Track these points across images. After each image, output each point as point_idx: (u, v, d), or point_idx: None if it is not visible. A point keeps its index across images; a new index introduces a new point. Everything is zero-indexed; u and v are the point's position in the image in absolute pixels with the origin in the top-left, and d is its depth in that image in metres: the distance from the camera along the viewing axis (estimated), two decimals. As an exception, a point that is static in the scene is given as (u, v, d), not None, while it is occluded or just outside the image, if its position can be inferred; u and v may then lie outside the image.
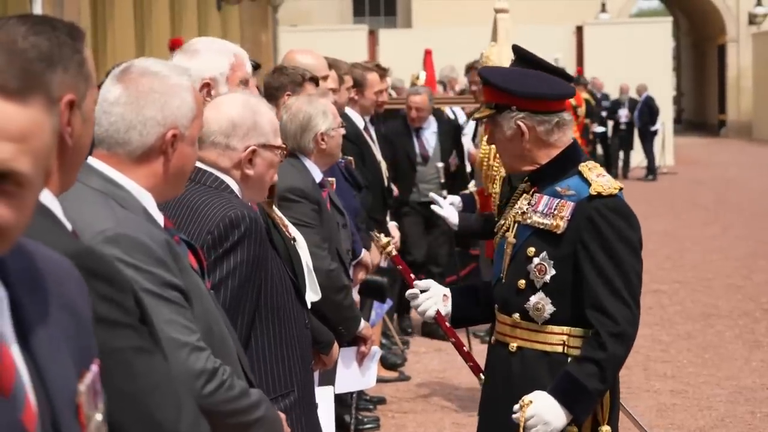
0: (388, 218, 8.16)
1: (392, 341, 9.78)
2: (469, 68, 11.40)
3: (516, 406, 3.83)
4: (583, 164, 3.95)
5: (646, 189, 24.21)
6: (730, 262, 14.09)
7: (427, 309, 4.22)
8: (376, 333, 8.42)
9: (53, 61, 2.16)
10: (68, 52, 2.19)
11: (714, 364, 9.27)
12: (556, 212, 3.89)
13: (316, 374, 4.79)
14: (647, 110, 26.51)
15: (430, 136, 10.08)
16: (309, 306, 4.66)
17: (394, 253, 4.43)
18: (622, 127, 26.75)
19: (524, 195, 4.05)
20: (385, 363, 9.08)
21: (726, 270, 13.56)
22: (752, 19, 38.90)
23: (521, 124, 3.95)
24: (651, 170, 26.43)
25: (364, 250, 6.21)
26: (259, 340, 3.59)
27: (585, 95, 23.97)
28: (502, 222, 4.12)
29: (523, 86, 4.01)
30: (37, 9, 10.76)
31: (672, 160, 28.82)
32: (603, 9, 36.35)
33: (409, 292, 4.29)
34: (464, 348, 4.35)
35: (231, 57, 4.39)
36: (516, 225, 4.00)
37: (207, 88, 4.29)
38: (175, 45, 8.13)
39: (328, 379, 5.17)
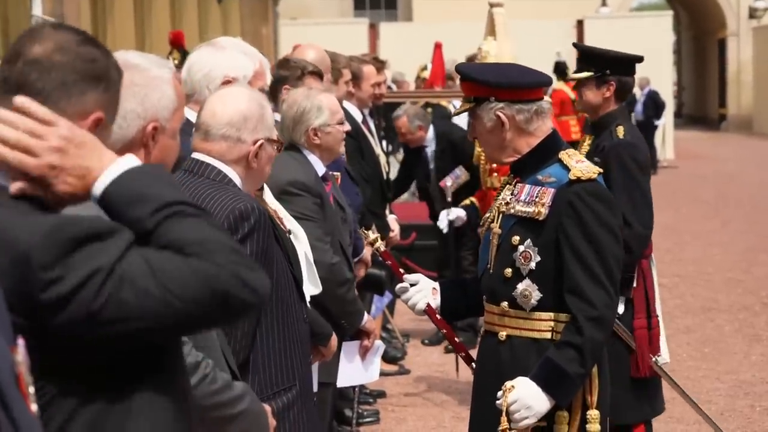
0: (387, 212, 8.16)
1: (392, 335, 9.78)
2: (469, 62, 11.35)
3: (499, 393, 3.89)
4: (563, 152, 4.02)
5: (647, 183, 24.16)
6: (730, 256, 14.09)
7: (417, 302, 4.26)
8: (376, 326, 8.42)
9: (100, 77, 2.20)
10: (115, 75, 2.24)
11: (713, 358, 9.28)
12: (537, 200, 3.95)
13: (315, 367, 4.81)
14: (652, 104, 26.47)
15: (431, 155, 9.71)
16: (308, 299, 4.68)
17: (383, 248, 4.44)
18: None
19: (507, 186, 4.11)
20: (385, 356, 9.06)
21: (726, 264, 13.56)
22: (753, 13, 38.85)
23: (500, 114, 4.00)
24: (651, 164, 26.37)
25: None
26: (264, 334, 3.60)
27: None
28: (488, 214, 4.18)
29: (500, 77, 4.06)
30: (37, 4, 10.75)
31: (672, 154, 28.79)
32: (603, 3, 36.31)
33: (399, 286, 4.33)
34: (455, 339, 4.38)
35: (257, 63, 4.38)
36: (500, 215, 4.06)
37: (227, 86, 4.27)
38: (175, 38, 8.14)
39: (330, 372, 5.17)
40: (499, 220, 4.06)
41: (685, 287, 12.27)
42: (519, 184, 4.04)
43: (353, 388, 6.80)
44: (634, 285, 5.74)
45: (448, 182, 9.16)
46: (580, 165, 3.95)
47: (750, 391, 8.27)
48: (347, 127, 5.38)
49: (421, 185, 9.87)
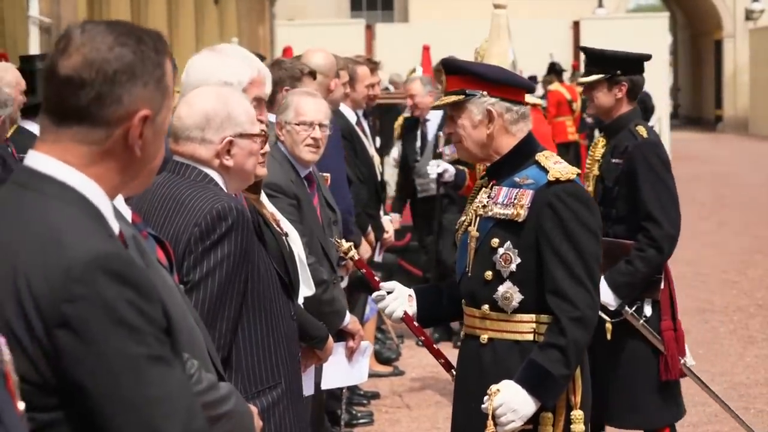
0: (381, 213, 8.16)
1: (387, 336, 9.77)
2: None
3: (485, 397, 3.89)
4: (539, 154, 4.04)
5: (643, 184, 24.17)
6: (726, 258, 14.10)
7: (395, 310, 4.25)
8: (370, 328, 8.42)
9: (135, 74, 2.19)
10: (150, 66, 2.22)
11: (708, 359, 9.27)
12: (516, 201, 3.97)
13: (311, 370, 4.79)
14: (642, 106, 26.46)
15: (432, 127, 9.87)
16: (302, 301, 4.67)
17: (356, 257, 4.43)
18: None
19: (483, 189, 4.12)
20: (379, 358, 9.09)
21: (721, 265, 13.56)
22: (749, 15, 38.89)
23: (492, 109, 4.01)
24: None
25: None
26: (246, 332, 3.60)
27: (581, 89, 23.95)
28: (463, 218, 4.18)
29: (495, 72, 4.08)
30: (34, 5, 10.74)
31: (668, 155, 28.75)
32: (600, 4, 36.32)
33: (375, 294, 4.32)
34: (434, 346, 4.37)
35: (255, 71, 4.35)
36: (477, 219, 4.06)
37: None
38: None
39: (315, 374, 5.15)
40: (476, 223, 4.07)
41: (680, 288, 12.13)
42: (495, 187, 4.06)
43: (341, 388, 6.78)
44: (661, 287, 5.73)
45: (447, 151, 9.27)
46: (558, 166, 3.97)
47: (744, 393, 8.27)
48: (316, 132, 5.35)
49: (407, 169, 9.91)
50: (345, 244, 4.42)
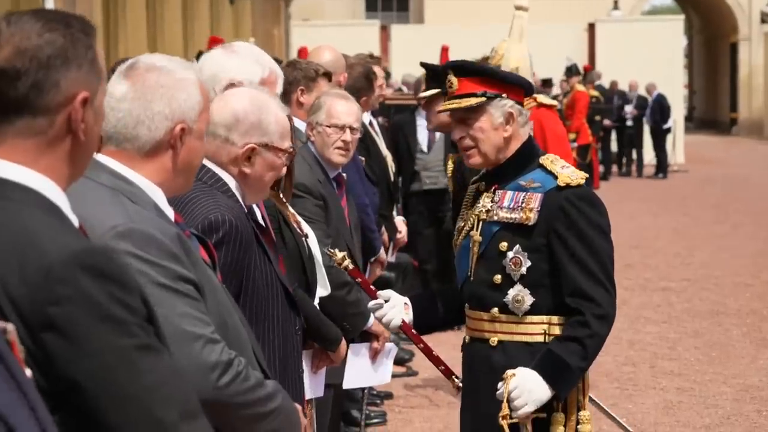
0: (395, 213, 8.18)
1: (400, 336, 9.79)
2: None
3: (500, 383, 3.92)
4: (543, 157, 4.08)
5: (657, 187, 24.19)
6: (739, 261, 14.10)
7: (392, 319, 4.24)
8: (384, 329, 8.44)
9: (68, 58, 2.18)
10: (82, 49, 2.21)
11: (721, 362, 9.29)
12: (524, 205, 4.00)
13: (322, 372, 4.80)
14: (658, 108, 26.50)
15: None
16: (317, 301, 4.68)
17: (351, 267, 4.42)
18: (629, 123, 26.71)
19: (485, 194, 4.13)
20: (392, 358, 9.10)
21: (735, 268, 13.56)
22: (764, 18, 38.81)
23: (513, 111, 4.06)
24: (662, 168, 26.41)
25: (381, 248, 6.23)
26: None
27: (594, 92, 23.95)
28: (462, 223, 4.19)
29: (509, 75, 4.14)
30: (50, 4, 10.82)
31: (683, 158, 28.78)
32: (615, 6, 36.31)
33: (372, 302, 4.30)
34: (433, 353, 4.38)
35: (266, 71, 4.32)
36: (480, 223, 4.08)
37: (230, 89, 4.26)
38: (213, 43, 8.15)
39: (335, 374, 5.18)
40: (479, 228, 4.09)
41: (694, 291, 12.28)
42: (499, 191, 4.07)
43: (361, 389, 6.80)
44: None
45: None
46: (566, 170, 4.02)
47: (756, 396, 8.28)
48: (346, 135, 5.33)
49: (402, 151, 10.01)
50: (339, 254, 4.34)
